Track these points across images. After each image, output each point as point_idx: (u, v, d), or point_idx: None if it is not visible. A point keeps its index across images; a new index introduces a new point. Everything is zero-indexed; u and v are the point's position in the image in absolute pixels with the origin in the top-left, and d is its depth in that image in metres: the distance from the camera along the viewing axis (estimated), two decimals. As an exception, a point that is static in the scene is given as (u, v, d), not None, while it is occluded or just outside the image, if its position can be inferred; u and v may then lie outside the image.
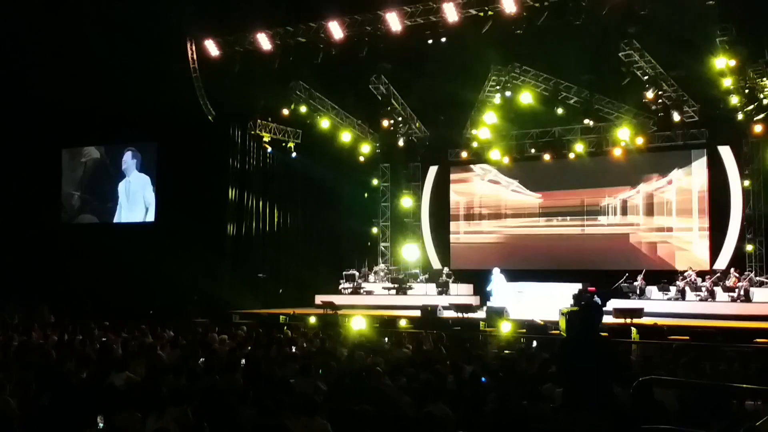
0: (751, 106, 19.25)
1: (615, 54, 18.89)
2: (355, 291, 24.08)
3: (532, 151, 23.81)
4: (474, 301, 21.89)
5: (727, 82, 18.31)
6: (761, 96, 19.07)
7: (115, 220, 25.57)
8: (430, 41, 18.40)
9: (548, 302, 19.28)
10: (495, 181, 25.31)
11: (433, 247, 26.38)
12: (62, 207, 26.41)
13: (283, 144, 24.36)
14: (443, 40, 18.24)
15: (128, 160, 25.55)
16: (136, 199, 25.32)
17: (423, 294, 22.97)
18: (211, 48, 20.21)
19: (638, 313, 17.02)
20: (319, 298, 22.25)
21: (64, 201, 26.42)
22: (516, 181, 24.91)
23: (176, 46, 20.77)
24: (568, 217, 24.10)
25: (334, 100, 23.79)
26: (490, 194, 25.48)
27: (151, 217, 25.01)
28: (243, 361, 10.68)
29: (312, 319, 19.12)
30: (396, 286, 23.60)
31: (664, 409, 7.57)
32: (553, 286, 20.95)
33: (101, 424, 6.70)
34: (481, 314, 18.90)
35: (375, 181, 26.91)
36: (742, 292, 19.23)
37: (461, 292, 22.78)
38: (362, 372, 9.68)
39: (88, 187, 26.26)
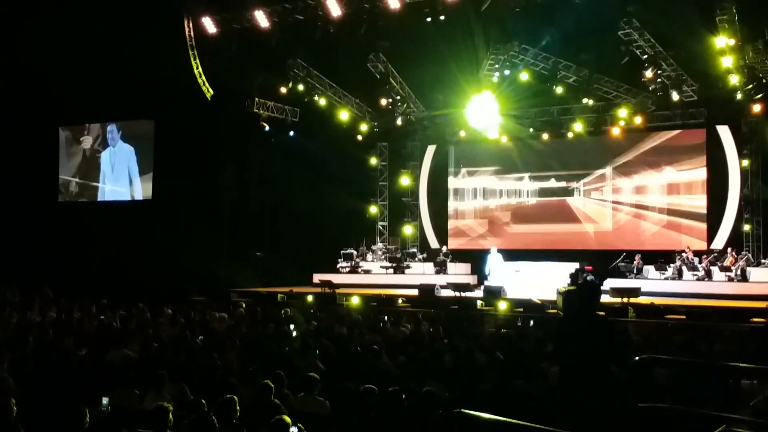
0: (751, 86, 19.18)
1: (614, 33, 18.79)
2: (353, 270, 24.12)
3: (531, 130, 23.75)
4: (471, 280, 21.94)
5: (727, 62, 18.16)
6: (760, 75, 19.01)
7: (99, 185, 25.63)
8: (429, 19, 18.27)
9: (545, 281, 19.36)
10: (486, 170, 25.30)
11: (431, 227, 26.39)
12: (59, 191, 26.45)
13: (281, 122, 24.28)
14: (442, 18, 18.12)
15: (113, 131, 25.65)
16: (121, 169, 25.40)
17: (421, 273, 23.01)
18: (209, 25, 20.07)
19: (635, 292, 17.06)
20: (317, 277, 22.22)
21: (62, 187, 26.43)
22: (511, 162, 24.87)
23: (174, 23, 20.63)
24: (566, 197, 24.10)
25: (333, 79, 23.66)
26: (488, 175, 25.47)
27: (138, 192, 25.10)
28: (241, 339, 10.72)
29: (310, 298, 19.20)
30: (394, 265, 23.63)
31: (661, 388, 7.62)
32: (550, 266, 21.02)
33: (105, 403, 6.71)
34: (478, 293, 18.95)
35: (373, 160, 26.84)
36: (738, 272, 19.29)
37: (459, 272, 22.82)
38: (360, 350, 9.73)
39: (86, 173, 26.26)
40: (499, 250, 21.72)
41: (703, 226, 21.99)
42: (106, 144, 26.06)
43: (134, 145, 25.57)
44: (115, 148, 25.58)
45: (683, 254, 20.38)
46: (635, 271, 20.55)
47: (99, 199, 25.93)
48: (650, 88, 20.57)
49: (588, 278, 18.66)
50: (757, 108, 19.82)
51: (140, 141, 25.54)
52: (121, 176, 25.45)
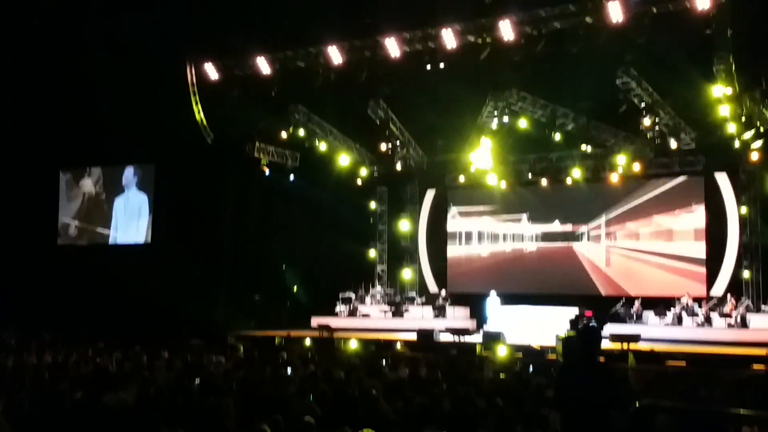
0: (749, 134, 19.33)
1: (612, 81, 19.01)
2: (352, 313, 24.03)
3: (529, 176, 23.87)
4: (470, 324, 21.86)
5: (725, 110, 18.31)
6: (758, 123, 19.18)
7: (111, 233, 25.62)
8: (428, 66, 18.50)
9: (545, 326, 19.28)
10: (484, 213, 25.37)
11: (429, 271, 26.35)
12: (59, 233, 26.48)
13: (282, 167, 24.41)
14: (441, 65, 18.34)
15: (129, 176, 25.66)
16: (132, 216, 25.40)
17: (419, 317, 22.92)
18: (211, 71, 20.28)
19: (635, 338, 16.99)
20: (315, 321, 22.17)
21: (61, 229, 26.47)
22: (510, 206, 24.94)
23: (176, 68, 20.86)
24: (565, 242, 24.10)
25: (333, 124, 23.87)
26: (486, 220, 25.51)
27: (147, 237, 25.06)
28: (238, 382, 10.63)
29: (308, 342, 19.09)
30: (392, 309, 23.54)
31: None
32: (549, 310, 20.96)
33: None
34: (477, 338, 18.86)
35: (372, 205, 26.93)
36: (738, 319, 19.23)
37: (458, 316, 22.74)
38: (358, 395, 9.65)
39: (86, 216, 26.31)
40: (499, 294, 21.67)
41: (703, 272, 21.96)
42: (108, 187, 26.11)
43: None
44: (129, 194, 25.60)
45: (682, 300, 20.33)
46: (635, 317, 20.48)
47: (109, 242, 25.88)
48: (648, 136, 20.72)
49: (590, 324, 18.58)
50: (755, 156, 19.95)
51: (142, 184, 25.64)
52: (131, 221, 25.44)
